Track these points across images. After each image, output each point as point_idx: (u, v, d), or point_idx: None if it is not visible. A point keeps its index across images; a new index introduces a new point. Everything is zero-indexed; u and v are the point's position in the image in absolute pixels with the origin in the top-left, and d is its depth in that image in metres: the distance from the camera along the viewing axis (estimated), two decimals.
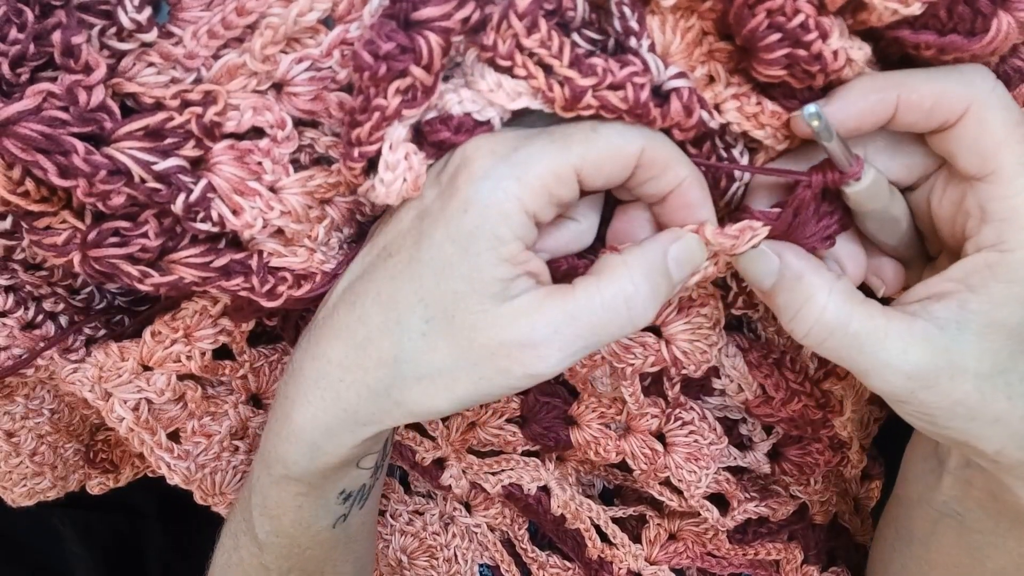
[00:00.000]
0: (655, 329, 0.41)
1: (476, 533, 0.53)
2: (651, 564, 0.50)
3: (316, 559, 0.40)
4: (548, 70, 0.31)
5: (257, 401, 0.46)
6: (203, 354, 0.41)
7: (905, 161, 0.34)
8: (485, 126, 0.33)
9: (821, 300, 0.32)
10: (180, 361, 0.41)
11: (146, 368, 0.41)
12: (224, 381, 0.45)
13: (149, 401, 0.42)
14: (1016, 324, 0.31)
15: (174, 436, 0.44)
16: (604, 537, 0.50)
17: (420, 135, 0.33)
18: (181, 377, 0.42)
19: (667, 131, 0.33)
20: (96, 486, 0.52)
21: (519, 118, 0.34)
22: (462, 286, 0.31)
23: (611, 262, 0.32)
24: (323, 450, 0.35)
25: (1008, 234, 0.30)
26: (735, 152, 0.35)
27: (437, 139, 0.32)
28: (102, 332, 0.42)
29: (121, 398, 0.41)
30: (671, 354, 0.41)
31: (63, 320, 0.42)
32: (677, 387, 0.44)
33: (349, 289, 0.35)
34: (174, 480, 0.44)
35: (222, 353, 0.43)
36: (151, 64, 0.32)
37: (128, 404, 0.41)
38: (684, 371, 0.42)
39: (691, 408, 0.45)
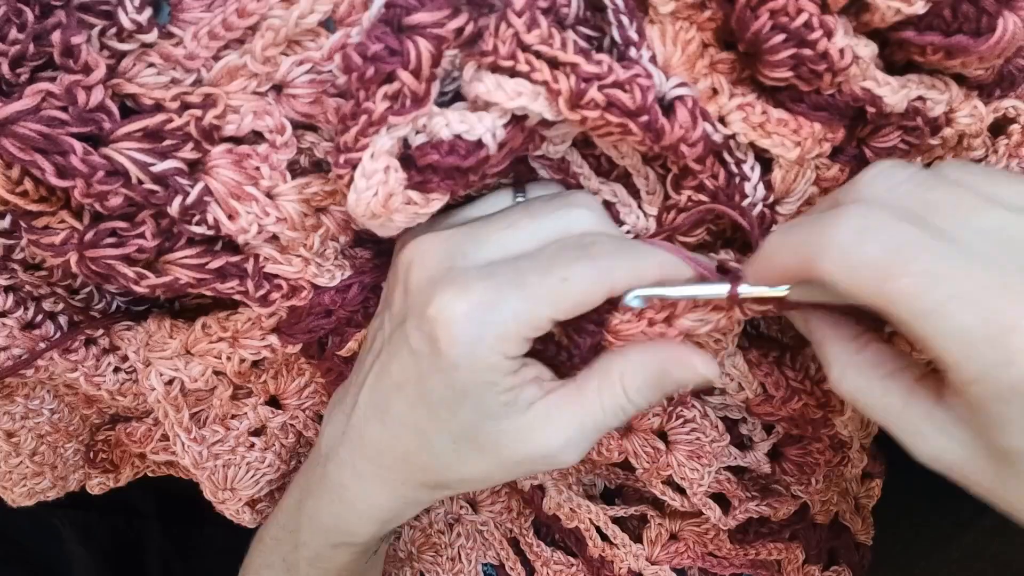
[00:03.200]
0: None
1: (483, 531, 0.53)
2: (652, 564, 0.50)
3: None
4: (552, 63, 0.31)
5: (275, 402, 0.46)
6: (242, 361, 0.42)
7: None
8: (479, 148, 0.32)
9: (835, 374, 0.32)
10: (220, 359, 0.41)
11: (188, 352, 0.42)
12: (250, 386, 0.45)
13: (182, 382, 0.42)
14: None
15: (195, 418, 0.44)
16: (605, 536, 0.50)
17: (411, 161, 0.32)
18: (216, 372, 0.43)
19: (675, 147, 0.32)
20: (96, 486, 0.52)
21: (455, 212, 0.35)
22: (474, 417, 0.34)
23: (611, 368, 0.34)
24: (388, 525, 0.40)
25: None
26: (745, 167, 0.34)
27: (426, 162, 0.32)
28: (101, 333, 0.42)
29: (159, 370, 0.42)
30: None
31: (62, 320, 0.41)
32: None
33: (372, 404, 0.37)
34: (184, 460, 0.45)
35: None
36: (151, 65, 0.32)
37: (163, 377, 0.42)
38: None
39: (692, 406, 0.45)
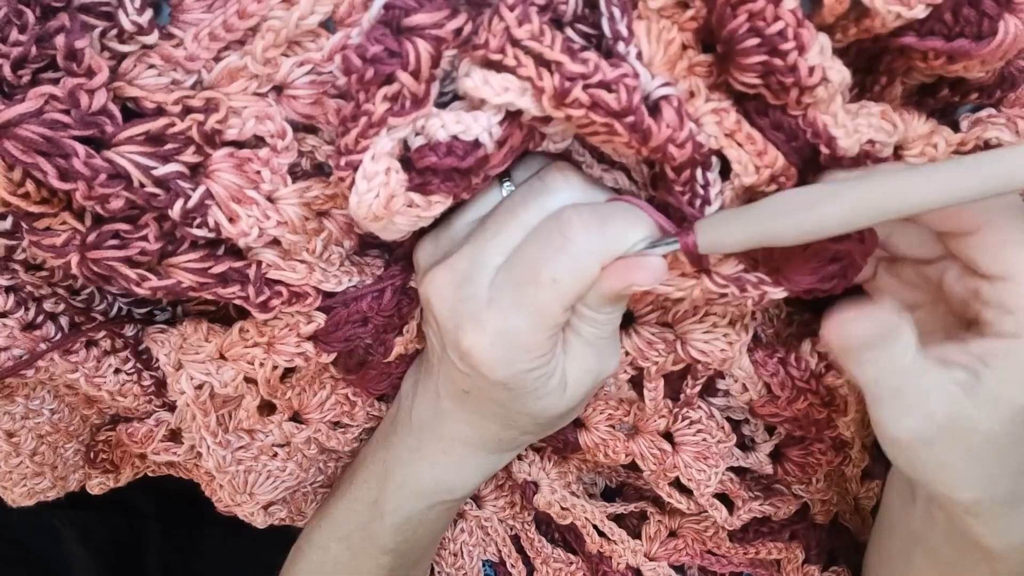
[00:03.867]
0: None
1: (486, 527, 0.53)
2: (650, 560, 0.50)
3: (430, 548, 0.50)
4: (538, 60, 0.31)
5: (297, 418, 0.47)
6: (275, 368, 0.42)
7: (922, 239, 0.36)
8: (476, 149, 0.32)
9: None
10: (252, 364, 0.42)
11: (221, 357, 0.42)
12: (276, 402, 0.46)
13: (211, 387, 0.43)
14: (1020, 404, 0.33)
15: (220, 423, 0.45)
16: (602, 533, 0.50)
17: (410, 163, 0.32)
18: (247, 380, 0.43)
19: (663, 149, 0.32)
20: (96, 486, 0.52)
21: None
22: (540, 401, 0.38)
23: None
24: (490, 475, 0.46)
25: None
26: (711, 192, 0.34)
27: (425, 164, 0.32)
28: (102, 334, 0.42)
29: (190, 373, 0.42)
30: (687, 353, 0.41)
31: (63, 321, 0.41)
32: (698, 387, 0.44)
33: (451, 398, 0.40)
34: (208, 464, 0.45)
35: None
36: (152, 66, 0.32)
37: (194, 381, 0.42)
38: (710, 369, 0.42)
39: (698, 407, 0.45)
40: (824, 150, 0.33)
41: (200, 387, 0.43)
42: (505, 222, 0.35)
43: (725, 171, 0.34)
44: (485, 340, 0.35)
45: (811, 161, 0.34)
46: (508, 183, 0.37)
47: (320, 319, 0.39)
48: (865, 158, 0.33)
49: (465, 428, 0.41)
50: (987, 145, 0.35)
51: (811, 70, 0.30)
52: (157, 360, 0.43)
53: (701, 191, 0.34)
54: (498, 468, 0.45)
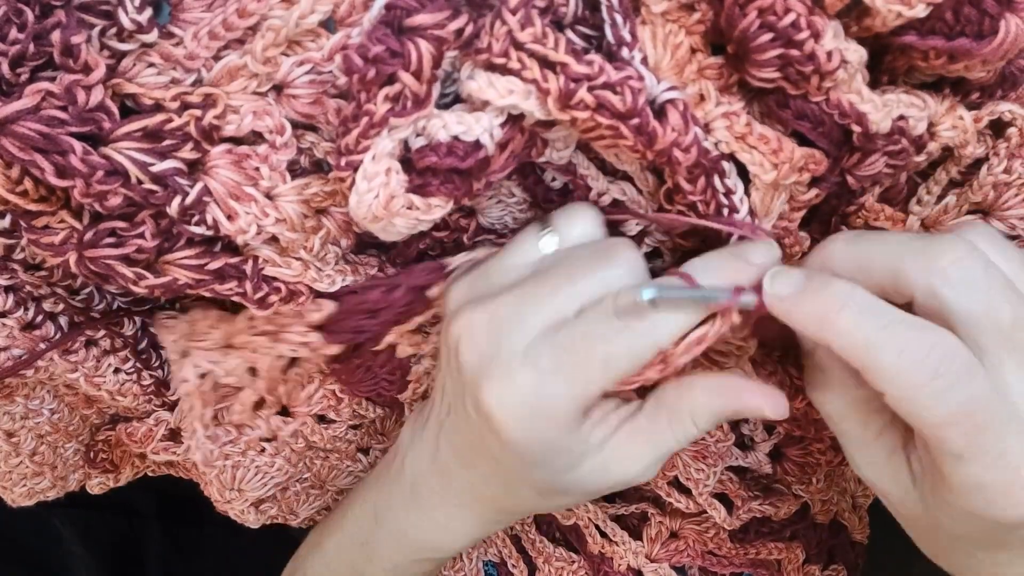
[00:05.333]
0: None
1: None
2: (651, 561, 0.50)
3: None
4: (543, 62, 0.31)
5: (285, 411, 0.46)
6: (278, 357, 0.42)
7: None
8: (477, 150, 0.32)
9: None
10: (256, 353, 0.41)
11: (228, 345, 0.42)
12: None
13: (215, 376, 0.42)
14: None
15: (214, 417, 0.45)
16: (604, 534, 0.50)
17: (410, 165, 0.32)
18: (250, 371, 0.43)
19: (668, 153, 0.32)
20: (96, 486, 0.52)
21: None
22: (552, 474, 0.35)
23: (680, 407, 0.35)
24: (476, 541, 0.44)
25: None
26: (735, 198, 0.34)
27: (425, 165, 0.32)
28: (101, 334, 0.42)
29: (195, 361, 0.42)
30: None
31: (63, 321, 0.41)
32: None
33: (453, 452, 0.38)
34: (195, 456, 0.45)
35: None
36: (151, 65, 0.32)
37: (198, 369, 0.42)
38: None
39: None
40: (856, 128, 0.32)
41: (204, 376, 0.42)
42: (560, 286, 0.33)
43: (743, 175, 0.34)
44: (512, 397, 0.33)
45: (844, 144, 0.34)
46: (549, 230, 0.36)
47: (330, 307, 0.39)
48: (899, 135, 0.33)
49: (461, 487, 0.39)
50: (999, 121, 0.36)
51: (829, 55, 0.30)
52: (157, 359, 0.43)
53: (725, 199, 0.34)
54: (487, 535, 0.44)
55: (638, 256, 0.34)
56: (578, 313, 0.33)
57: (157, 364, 0.44)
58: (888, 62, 0.34)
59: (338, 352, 0.41)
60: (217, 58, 0.33)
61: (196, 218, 0.33)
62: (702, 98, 0.33)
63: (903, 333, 0.30)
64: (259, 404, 0.45)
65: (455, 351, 0.34)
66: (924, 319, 0.30)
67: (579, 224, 0.36)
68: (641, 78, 0.31)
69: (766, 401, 0.35)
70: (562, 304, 0.33)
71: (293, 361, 0.43)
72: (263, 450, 0.46)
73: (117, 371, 0.43)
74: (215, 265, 0.35)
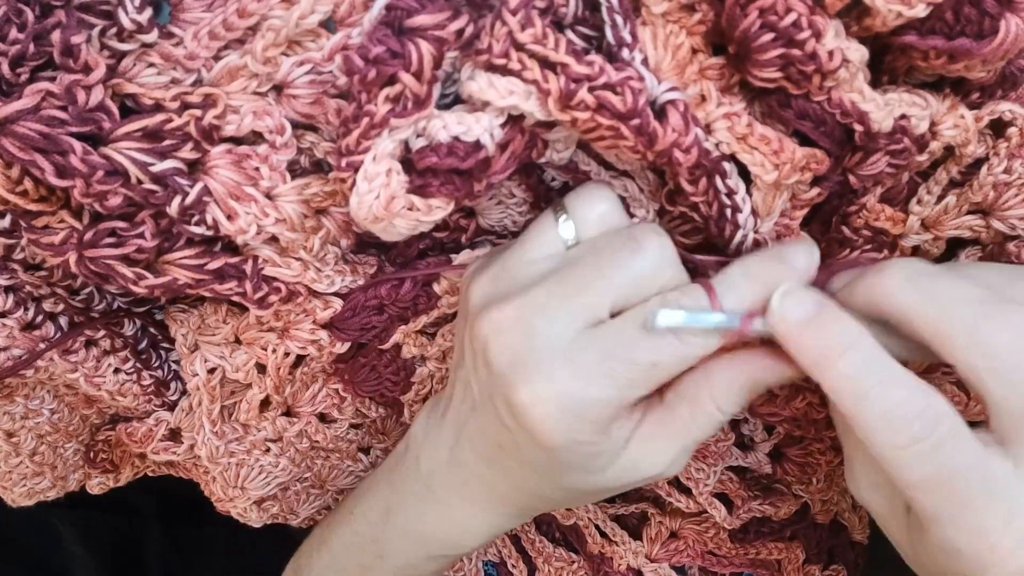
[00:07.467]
0: None
1: None
2: (651, 561, 0.50)
3: None
4: (543, 62, 0.31)
5: (290, 413, 0.46)
6: (286, 354, 0.42)
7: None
8: (477, 150, 0.32)
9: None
10: (265, 349, 0.41)
11: (237, 340, 0.42)
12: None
13: (223, 371, 0.42)
14: None
15: (221, 414, 0.45)
16: (604, 534, 0.50)
17: (411, 166, 0.32)
18: (259, 368, 0.43)
19: (668, 153, 0.32)
20: (96, 486, 0.52)
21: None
22: (580, 476, 0.35)
23: (700, 394, 0.34)
24: (493, 538, 0.43)
25: None
26: (737, 198, 0.34)
27: (425, 165, 0.32)
28: (101, 334, 0.42)
29: (204, 355, 0.42)
30: None
31: (63, 321, 0.41)
32: None
33: (475, 450, 0.37)
34: (201, 452, 0.45)
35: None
36: (151, 65, 0.32)
37: (207, 364, 0.42)
38: None
39: None
40: (858, 127, 0.32)
41: (213, 371, 0.42)
42: (591, 281, 0.32)
43: (745, 176, 0.34)
44: (549, 398, 0.32)
45: (846, 144, 0.34)
46: (565, 215, 0.35)
47: (337, 304, 0.39)
48: (901, 134, 0.33)
49: (483, 486, 0.38)
50: (1000, 121, 0.36)
51: (831, 54, 0.30)
52: (157, 359, 0.43)
53: (727, 200, 0.34)
54: (504, 532, 0.43)
55: (666, 242, 0.33)
56: (611, 308, 0.32)
57: (157, 364, 0.44)
58: (888, 62, 0.34)
59: (344, 351, 0.42)
60: (217, 58, 0.33)
61: (196, 218, 0.33)
62: (703, 99, 0.33)
63: (895, 392, 0.29)
64: (265, 404, 0.45)
65: (483, 350, 0.33)
66: (923, 381, 0.30)
67: (596, 206, 0.35)
68: (641, 79, 0.31)
69: (782, 363, 0.33)
70: (594, 300, 0.32)
71: (300, 360, 0.43)
72: (268, 450, 0.46)
73: (117, 371, 0.43)
74: (215, 265, 0.35)
